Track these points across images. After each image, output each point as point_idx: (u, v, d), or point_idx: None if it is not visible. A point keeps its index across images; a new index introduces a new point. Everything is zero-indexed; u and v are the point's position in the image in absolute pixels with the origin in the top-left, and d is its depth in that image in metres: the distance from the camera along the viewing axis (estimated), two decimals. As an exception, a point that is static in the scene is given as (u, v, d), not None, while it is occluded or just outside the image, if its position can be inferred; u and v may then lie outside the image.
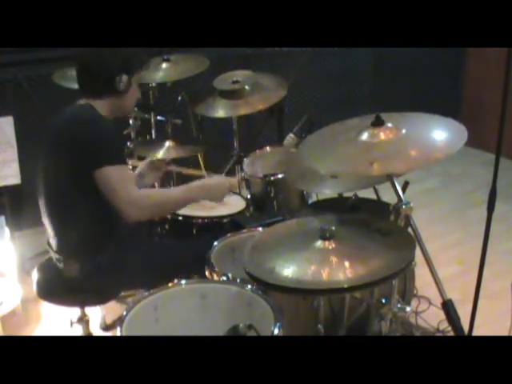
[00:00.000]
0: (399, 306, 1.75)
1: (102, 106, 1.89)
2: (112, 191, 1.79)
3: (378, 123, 1.73)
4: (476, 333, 1.85)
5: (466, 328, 1.79)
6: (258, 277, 1.49)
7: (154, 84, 3.01)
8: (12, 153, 2.61)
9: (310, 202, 2.53)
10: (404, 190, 1.88)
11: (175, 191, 1.99)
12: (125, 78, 1.88)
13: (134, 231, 2.35)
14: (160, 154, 2.72)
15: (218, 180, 2.11)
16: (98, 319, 2.39)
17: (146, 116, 3.06)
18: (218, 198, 2.09)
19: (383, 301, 1.78)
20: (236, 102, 2.71)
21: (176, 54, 2.95)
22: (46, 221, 1.93)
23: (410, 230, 1.70)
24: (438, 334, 2.38)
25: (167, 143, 2.77)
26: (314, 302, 1.76)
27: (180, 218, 2.25)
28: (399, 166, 1.65)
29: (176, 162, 3.05)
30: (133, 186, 1.85)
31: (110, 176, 1.78)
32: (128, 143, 3.01)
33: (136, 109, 2.96)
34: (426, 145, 1.69)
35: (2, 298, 2.55)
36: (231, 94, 2.72)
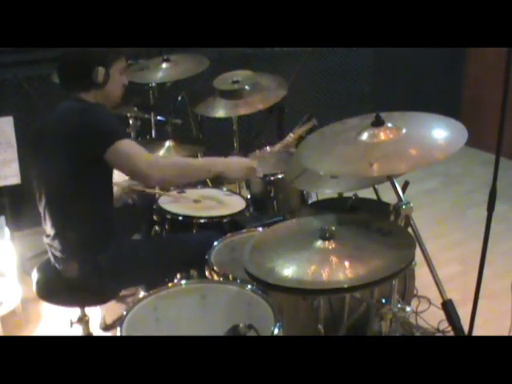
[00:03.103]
0: (399, 305, 1.76)
1: (88, 99, 1.91)
2: (129, 160, 1.81)
3: (378, 123, 1.73)
4: (476, 333, 1.85)
5: (465, 328, 1.79)
6: (258, 277, 1.49)
7: (153, 84, 3.01)
8: (12, 153, 2.61)
9: (309, 202, 2.53)
10: (404, 190, 1.88)
11: (194, 159, 2.00)
12: (101, 70, 1.89)
13: (133, 232, 2.36)
14: (160, 154, 2.73)
15: (242, 160, 2.11)
16: (98, 319, 2.39)
17: (146, 116, 3.06)
18: (238, 177, 2.12)
19: (383, 301, 1.78)
20: (236, 102, 2.71)
21: (176, 53, 2.95)
22: (46, 221, 1.93)
23: (410, 230, 1.70)
24: (438, 334, 2.38)
25: (167, 143, 2.78)
26: (314, 302, 1.76)
27: (180, 217, 2.24)
28: (399, 166, 1.65)
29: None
30: (147, 152, 1.87)
31: (122, 148, 1.79)
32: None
33: (136, 109, 2.97)
34: (427, 145, 1.69)
35: (2, 298, 2.55)
36: (231, 94, 2.72)
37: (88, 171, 1.81)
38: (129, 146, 1.82)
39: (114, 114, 2.06)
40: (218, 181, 2.28)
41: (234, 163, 2.06)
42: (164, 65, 2.90)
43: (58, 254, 1.91)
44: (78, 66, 1.90)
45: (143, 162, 1.81)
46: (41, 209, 1.94)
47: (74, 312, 2.05)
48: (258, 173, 2.09)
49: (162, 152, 2.74)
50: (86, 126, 1.80)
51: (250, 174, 2.08)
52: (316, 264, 1.49)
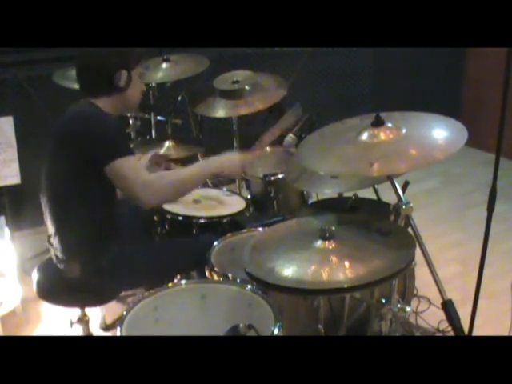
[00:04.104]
0: (399, 306, 1.76)
1: (105, 104, 1.89)
2: (126, 181, 1.80)
3: (378, 123, 1.73)
4: (476, 333, 1.85)
5: (466, 328, 1.79)
6: (258, 277, 1.49)
7: (153, 84, 3.01)
8: (12, 153, 2.61)
9: (309, 202, 2.53)
10: (404, 190, 1.88)
11: (188, 168, 1.97)
12: (124, 73, 1.87)
13: (134, 232, 2.35)
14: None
15: (231, 155, 2.09)
16: (98, 319, 2.39)
17: (146, 116, 3.06)
18: (233, 173, 2.07)
19: (383, 301, 1.78)
20: (236, 102, 2.71)
21: (176, 54, 2.95)
22: (47, 220, 1.93)
23: (410, 230, 1.70)
24: (438, 334, 2.38)
25: (167, 143, 2.78)
26: (314, 302, 1.76)
27: (180, 217, 2.24)
28: (399, 166, 1.65)
29: (176, 162, 3.05)
30: (144, 171, 1.87)
31: (120, 168, 1.78)
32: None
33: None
34: (427, 145, 1.69)
35: (2, 297, 2.55)
36: (231, 94, 2.72)
37: (90, 175, 1.81)
38: (127, 167, 1.79)
39: (117, 119, 2.04)
40: (218, 181, 2.26)
41: (225, 160, 2.02)
42: (164, 65, 2.90)
43: (58, 253, 1.91)
44: (100, 70, 1.87)
45: (139, 188, 1.79)
46: (44, 206, 1.94)
47: (74, 312, 2.05)
48: (255, 167, 2.07)
49: (161, 152, 2.74)
50: (91, 137, 1.78)
51: (247, 168, 2.05)
52: (316, 264, 1.49)
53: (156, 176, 1.93)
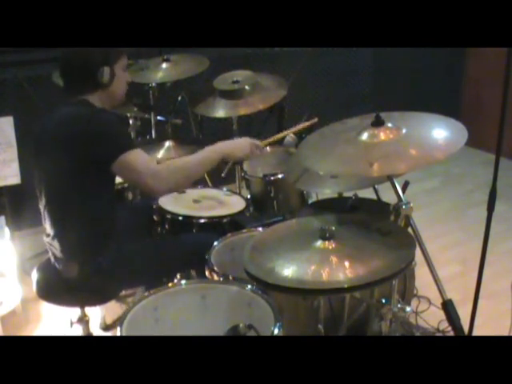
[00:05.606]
0: (399, 305, 1.76)
1: (93, 101, 1.90)
2: (135, 173, 1.81)
3: (378, 123, 1.73)
4: (476, 333, 1.85)
5: (466, 328, 1.79)
6: (258, 277, 1.49)
7: (153, 84, 3.01)
8: (12, 153, 2.61)
9: (309, 202, 2.53)
10: (404, 190, 1.88)
11: (197, 154, 1.99)
12: (106, 70, 1.87)
13: (134, 231, 2.35)
14: (160, 154, 2.73)
15: (241, 139, 2.12)
16: (97, 319, 2.39)
17: (146, 116, 3.06)
18: (242, 155, 2.08)
19: (383, 301, 1.78)
20: (236, 102, 2.71)
21: (176, 54, 2.95)
22: (46, 222, 1.93)
23: (410, 229, 1.70)
24: (438, 334, 2.38)
25: (167, 143, 2.78)
26: (314, 302, 1.76)
27: (180, 217, 2.24)
28: (399, 166, 1.65)
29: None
30: (151, 161, 1.88)
31: (128, 161, 1.79)
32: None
33: (136, 109, 2.97)
34: (427, 145, 1.69)
35: (2, 298, 2.55)
36: (231, 94, 2.73)
37: (90, 175, 1.81)
38: (134, 159, 1.81)
39: (115, 114, 2.05)
40: (225, 164, 2.25)
41: (234, 143, 2.08)
42: (164, 65, 2.90)
43: (57, 253, 1.91)
44: (82, 68, 1.87)
45: (148, 177, 1.81)
46: (41, 207, 1.94)
47: (74, 312, 2.05)
48: (261, 148, 2.10)
49: (161, 152, 2.74)
50: (94, 136, 1.78)
51: (254, 150, 2.08)
52: (316, 264, 1.50)
53: (164, 164, 1.95)
